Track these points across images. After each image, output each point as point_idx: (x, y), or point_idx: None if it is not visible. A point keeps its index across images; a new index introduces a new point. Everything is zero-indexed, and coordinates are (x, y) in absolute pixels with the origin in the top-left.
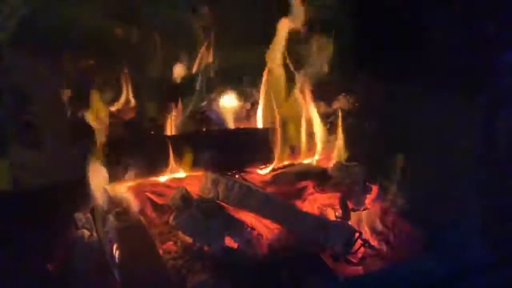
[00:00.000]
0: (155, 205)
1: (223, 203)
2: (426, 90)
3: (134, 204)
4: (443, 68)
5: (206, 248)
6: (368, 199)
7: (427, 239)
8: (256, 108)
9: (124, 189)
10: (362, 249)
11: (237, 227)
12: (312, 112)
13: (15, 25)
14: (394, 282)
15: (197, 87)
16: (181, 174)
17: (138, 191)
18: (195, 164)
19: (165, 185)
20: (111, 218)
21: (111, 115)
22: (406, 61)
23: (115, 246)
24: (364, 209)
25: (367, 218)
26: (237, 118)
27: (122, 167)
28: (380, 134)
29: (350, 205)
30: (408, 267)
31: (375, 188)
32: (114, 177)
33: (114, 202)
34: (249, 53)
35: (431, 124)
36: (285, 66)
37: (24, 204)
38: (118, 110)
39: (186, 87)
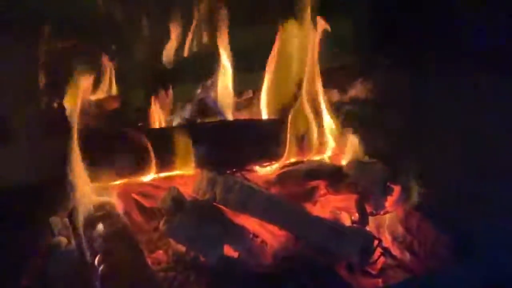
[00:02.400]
0: (142, 209)
1: (221, 206)
2: (454, 75)
3: (118, 207)
4: (472, 50)
5: (201, 258)
6: (389, 201)
7: (458, 245)
8: (260, 97)
9: (107, 190)
10: (382, 258)
11: (237, 234)
12: (324, 101)
13: None
14: None
15: (191, 72)
16: (173, 172)
17: (123, 192)
18: (189, 161)
19: (154, 185)
20: (92, 223)
21: (92, 105)
22: (431, 42)
23: (97, 256)
24: (385, 213)
25: (388, 223)
26: (237, 108)
27: (104, 165)
28: (402, 126)
29: (368, 209)
30: (436, 278)
31: (397, 189)
32: (95, 176)
33: (96, 205)
34: (252, 34)
35: (460, 113)
36: (294, 48)
37: None
38: (100, 100)
39: (178, 72)
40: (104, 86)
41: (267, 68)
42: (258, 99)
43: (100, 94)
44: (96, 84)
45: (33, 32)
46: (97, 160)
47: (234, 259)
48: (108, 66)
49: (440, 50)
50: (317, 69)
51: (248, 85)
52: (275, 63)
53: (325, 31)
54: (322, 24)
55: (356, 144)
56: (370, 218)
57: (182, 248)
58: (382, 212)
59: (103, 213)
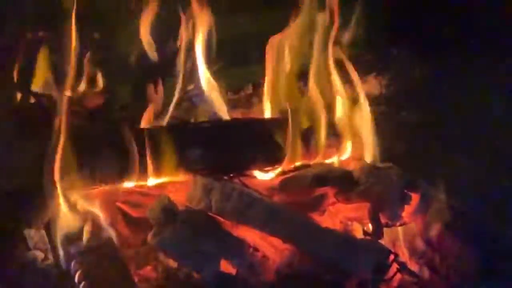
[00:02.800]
0: (129, 219)
1: (217, 216)
2: (479, 69)
3: (102, 218)
4: (500, 40)
5: (195, 274)
6: (407, 211)
7: (484, 262)
8: (261, 92)
9: (89, 198)
10: (398, 275)
11: (235, 248)
12: (333, 97)
13: None
14: None
15: (183, 65)
16: (163, 178)
17: (107, 201)
18: (180, 166)
19: (142, 193)
20: (72, 235)
21: (71, 102)
22: (453, 32)
23: (77, 273)
24: (402, 224)
25: (405, 235)
26: (235, 106)
27: (86, 170)
28: (421, 126)
29: (383, 219)
30: None
31: (415, 197)
32: (76, 183)
33: (76, 215)
34: (253, 21)
35: (486, 111)
36: (300, 38)
37: None
38: (81, 96)
39: (168, 66)
40: (86, 80)
41: (268, 60)
42: (259, 95)
43: (81, 90)
44: (77, 78)
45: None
46: (78, 164)
47: (232, 276)
48: (90, 58)
49: (464, 39)
50: (327, 62)
51: (247, 80)
52: (278, 54)
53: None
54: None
55: (370, 145)
56: (385, 230)
57: (173, 263)
58: (398, 223)
59: (84, 224)
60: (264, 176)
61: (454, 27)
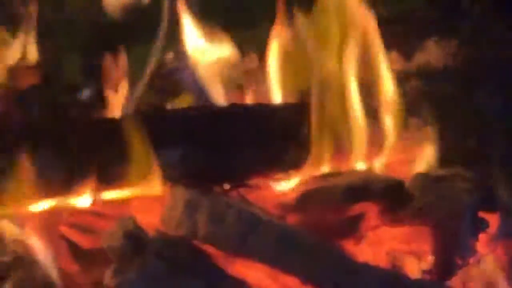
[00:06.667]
0: (77, 250)
1: (205, 246)
2: None
3: (37, 249)
4: None
5: None
6: (483, 241)
7: None
8: (268, 67)
9: (18, 220)
10: None
11: None
12: (376, 72)
13: None
14: None
15: (154, 28)
16: (126, 191)
17: (46, 224)
18: (153, 173)
19: (97, 212)
20: None
21: None
22: None
23: None
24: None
25: (480, 275)
26: (233, 86)
27: (15, 179)
28: (506, 113)
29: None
30: None
31: (494, 219)
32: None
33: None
34: None
35: None
36: None
37: None
38: (9, 72)
39: (135, 27)
40: (15, 49)
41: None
42: (267, 70)
43: (9, 62)
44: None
45: None
46: (3, 170)
47: None
48: (25, 19)
49: None
50: (366, 22)
51: (252, 46)
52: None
53: None
54: None
55: (428, 143)
56: None
57: None
58: (471, 260)
59: (13, 258)
60: (275, 188)
61: None
